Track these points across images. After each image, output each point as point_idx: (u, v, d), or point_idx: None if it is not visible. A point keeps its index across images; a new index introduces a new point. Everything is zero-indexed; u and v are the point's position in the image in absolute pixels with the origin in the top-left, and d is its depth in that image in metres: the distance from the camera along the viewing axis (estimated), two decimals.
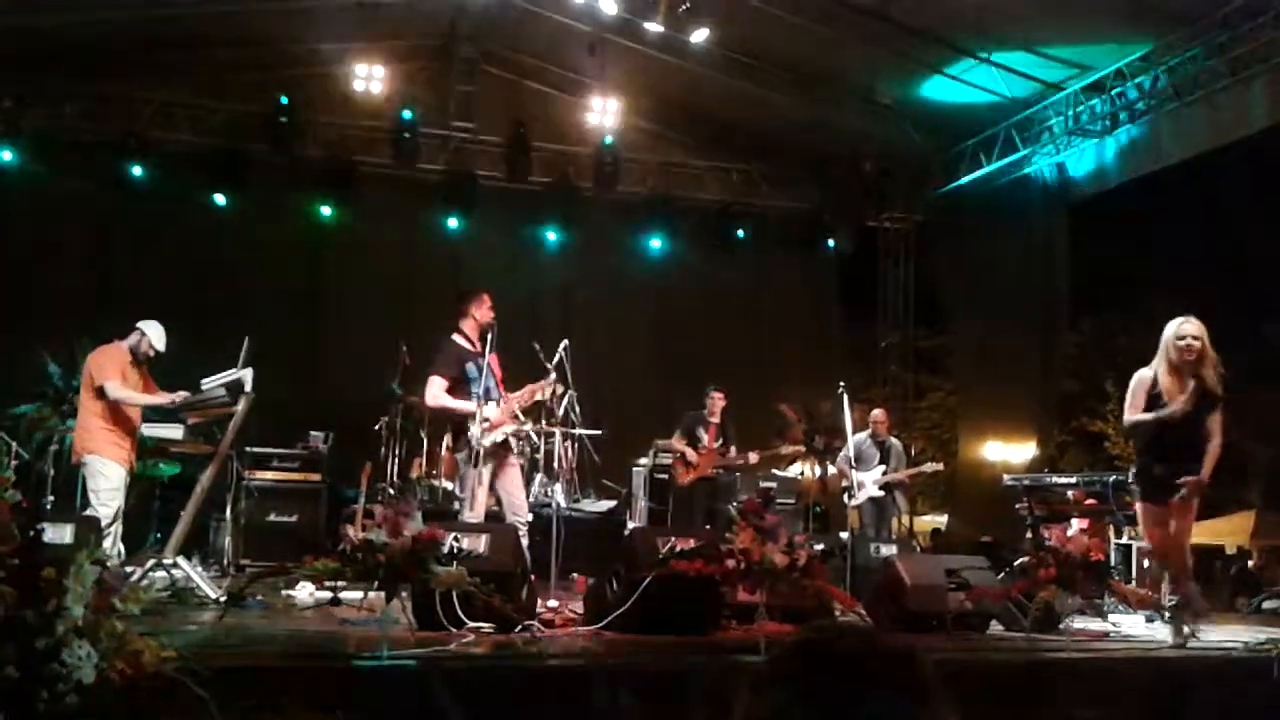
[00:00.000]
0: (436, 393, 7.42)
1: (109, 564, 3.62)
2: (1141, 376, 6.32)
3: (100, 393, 7.24)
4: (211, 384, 7.16)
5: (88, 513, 7.03)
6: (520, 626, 5.42)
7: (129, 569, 6.12)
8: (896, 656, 1.31)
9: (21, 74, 11.37)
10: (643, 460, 11.50)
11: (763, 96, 12.49)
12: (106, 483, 7.12)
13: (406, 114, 12.61)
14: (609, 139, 13.10)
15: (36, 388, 9.72)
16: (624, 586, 5.89)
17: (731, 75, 12.23)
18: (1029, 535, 8.98)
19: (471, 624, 5.46)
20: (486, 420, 7.20)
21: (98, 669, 3.24)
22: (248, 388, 7.09)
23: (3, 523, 3.34)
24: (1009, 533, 9.87)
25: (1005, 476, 9.87)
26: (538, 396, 7.94)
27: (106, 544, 6.45)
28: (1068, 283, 12.84)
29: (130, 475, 7.31)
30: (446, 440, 8.06)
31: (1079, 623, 6.98)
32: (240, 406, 7.10)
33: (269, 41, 12.09)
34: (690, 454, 10.27)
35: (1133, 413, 6.32)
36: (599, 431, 10.38)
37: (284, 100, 12.17)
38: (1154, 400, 6.22)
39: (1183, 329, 6.16)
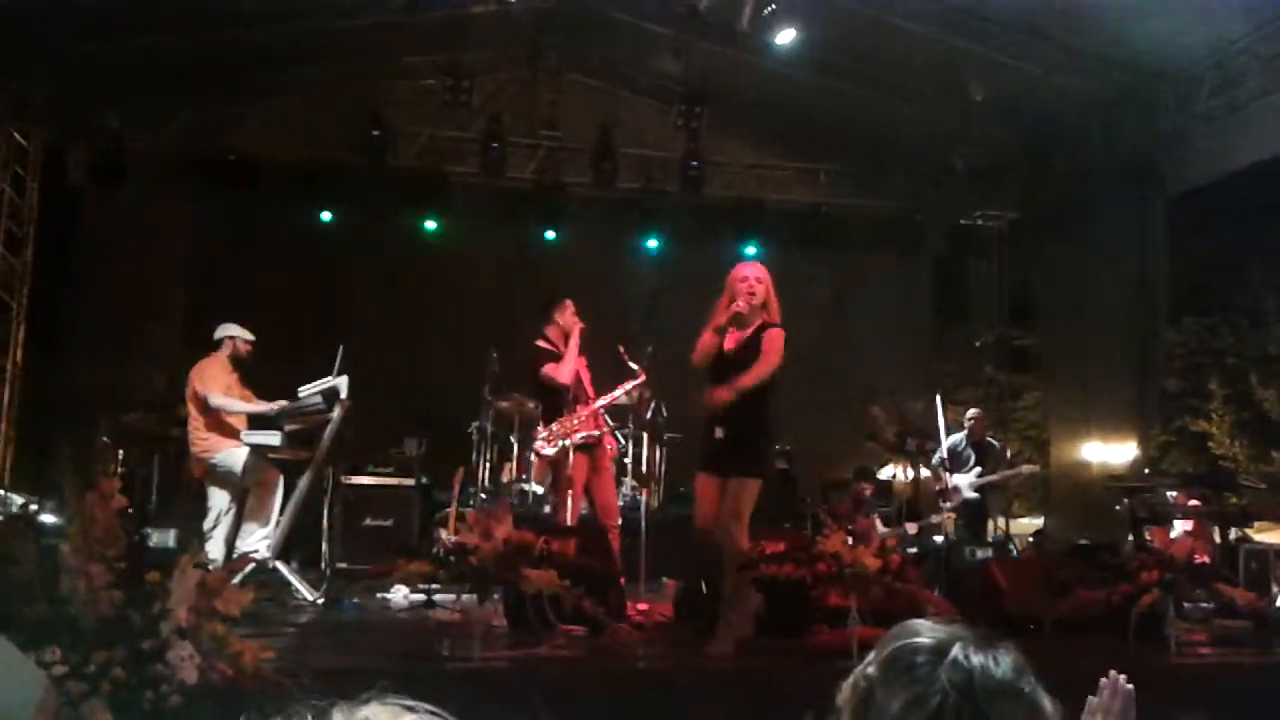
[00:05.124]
0: (551, 371, 7.56)
1: (210, 567, 3.72)
2: None
3: (205, 404, 7.55)
4: (308, 392, 7.33)
5: (217, 513, 7.34)
6: (611, 629, 5.44)
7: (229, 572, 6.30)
8: None
9: (124, 96, 11.73)
10: None
11: (850, 96, 12.35)
12: (237, 466, 7.47)
13: (494, 123, 12.73)
14: (694, 143, 13.06)
15: (140, 398, 10.00)
16: (714, 589, 5.88)
17: (818, 75, 12.12)
18: (1131, 538, 8.76)
19: (563, 626, 5.51)
20: (554, 428, 7.31)
21: (200, 669, 3.33)
22: (343, 395, 7.24)
23: (110, 527, 3.44)
24: (1109, 535, 9.62)
25: (1106, 478, 9.63)
26: (621, 399, 7.99)
27: (210, 547, 6.67)
28: (1168, 278, 12.47)
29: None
30: (536, 445, 8.12)
31: (1183, 627, 6.77)
32: (336, 413, 7.25)
33: (359, 55, 12.31)
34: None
35: None
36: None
37: (375, 113, 12.38)
38: None
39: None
